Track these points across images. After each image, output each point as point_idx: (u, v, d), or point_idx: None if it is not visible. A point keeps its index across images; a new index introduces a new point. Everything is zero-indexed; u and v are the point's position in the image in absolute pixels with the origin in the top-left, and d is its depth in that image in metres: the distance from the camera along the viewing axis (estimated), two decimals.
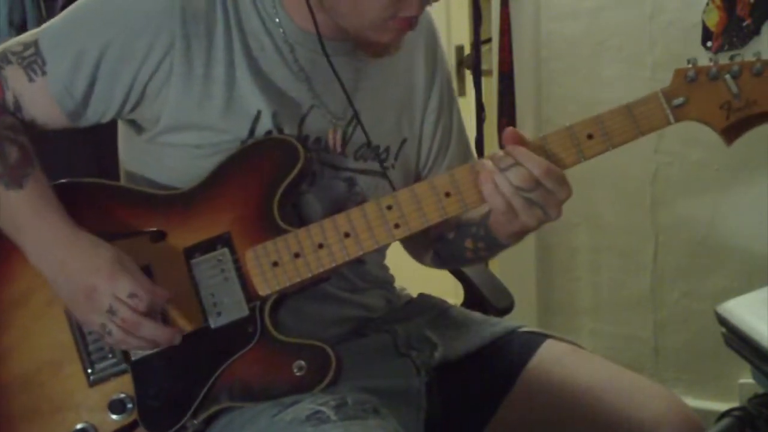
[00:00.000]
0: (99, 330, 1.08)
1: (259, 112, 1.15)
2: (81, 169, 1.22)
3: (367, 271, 1.29)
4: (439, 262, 1.37)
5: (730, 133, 1.05)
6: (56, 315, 1.14)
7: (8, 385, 1.14)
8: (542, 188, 1.05)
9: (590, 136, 1.07)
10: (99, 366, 1.13)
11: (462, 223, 1.25)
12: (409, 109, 1.30)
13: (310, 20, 1.15)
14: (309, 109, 1.19)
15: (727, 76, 1.04)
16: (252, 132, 1.15)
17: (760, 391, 1.91)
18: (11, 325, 1.15)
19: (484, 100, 2.53)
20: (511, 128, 1.08)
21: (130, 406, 1.11)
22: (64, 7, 2.25)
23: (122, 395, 1.11)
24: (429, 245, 1.34)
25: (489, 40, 2.70)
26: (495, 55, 2.61)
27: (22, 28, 2.37)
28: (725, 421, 1.87)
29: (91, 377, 1.13)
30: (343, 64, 1.20)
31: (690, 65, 1.05)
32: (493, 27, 2.63)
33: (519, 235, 1.14)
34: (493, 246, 1.22)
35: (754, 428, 1.84)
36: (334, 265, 1.11)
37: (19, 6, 2.39)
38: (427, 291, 1.42)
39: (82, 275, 1.07)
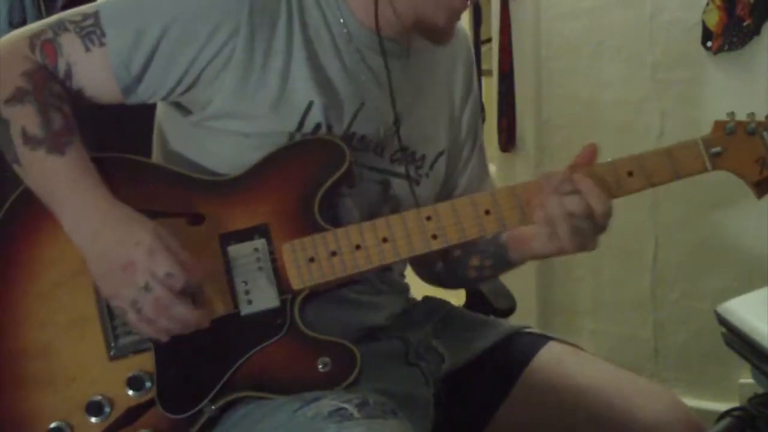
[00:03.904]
0: (127, 306, 1.07)
1: (310, 104, 1.15)
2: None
3: (390, 278, 1.30)
4: (441, 280, 1.37)
5: (762, 187, 1.12)
6: (84, 285, 1.13)
7: (27, 349, 1.13)
8: (593, 221, 1.09)
9: (630, 173, 1.11)
10: (122, 341, 1.13)
11: (470, 241, 1.26)
12: (450, 122, 1.32)
13: (369, 16, 1.17)
14: (360, 107, 1.19)
15: (765, 133, 1.09)
16: (301, 124, 1.15)
17: (760, 391, 1.91)
18: (35, 290, 1.14)
19: (484, 100, 2.52)
20: (593, 146, 1.12)
21: (148, 384, 1.11)
22: (64, 7, 2.25)
23: (142, 372, 1.11)
24: (432, 263, 1.34)
25: (489, 40, 2.70)
26: (495, 55, 2.61)
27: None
28: (725, 422, 1.86)
29: (113, 351, 1.12)
30: (394, 66, 1.20)
31: (729, 118, 1.10)
32: (493, 27, 2.63)
33: (544, 257, 1.16)
34: (501, 265, 1.24)
35: (754, 428, 1.84)
36: (369, 267, 1.12)
37: (18, 6, 2.39)
38: (429, 293, 1.42)
39: (119, 248, 1.06)
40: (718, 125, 1.10)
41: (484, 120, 2.51)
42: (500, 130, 2.62)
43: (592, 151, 1.12)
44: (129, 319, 1.08)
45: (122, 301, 1.07)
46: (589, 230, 1.09)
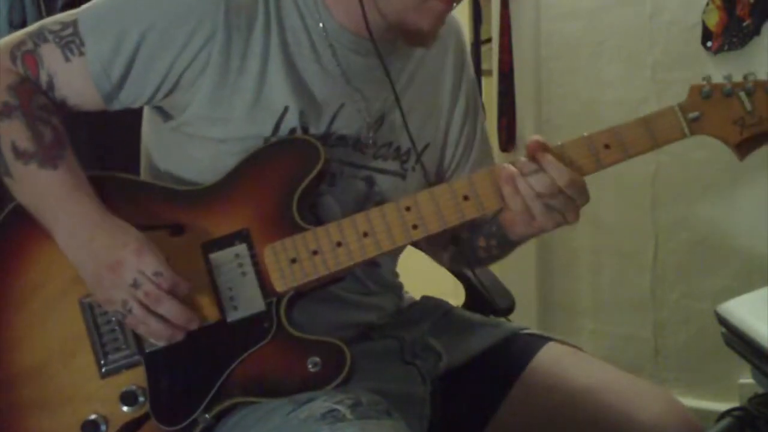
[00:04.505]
0: (119, 308, 1.08)
1: (286, 108, 1.15)
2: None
3: (380, 275, 1.29)
4: (455, 262, 1.38)
5: (743, 148, 1.08)
6: (70, 305, 1.14)
7: (19, 374, 1.14)
8: (564, 196, 1.08)
9: (607, 146, 1.10)
10: (112, 357, 1.13)
11: (476, 222, 1.25)
12: (435, 114, 1.31)
13: (350, 17, 1.16)
14: (339, 108, 1.19)
15: (742, 93, 1.06)
16: (277, 128, 1.15)
17: (760, 391, 1.91)
18: (25, 315, 1.15)
19: (484, 100, 2.52)
20: (536, 139, 1.09)
21: (141, 398, 1.11)
22: (64, 7, 2.25)
23: (134, 387, 1.12)
24: (446, 246, 1.34)
25: (489, 40, 2.70)
26: (495, 55, 2.62)
27: (21, 28, 2.36)
28: (725, 422, 1.86)
29: (104, 368, 1.13)
30: (377, 66, 1.20)
31: (705, 82, 1.08)
32: (493, 27, 2.63)
33: (534, 236, 1.16)
34: (505, 244, 1.24)
35: (754, 428, 1.84)
36: (351, 263, 1.11)
37: (18, 6, 2.39)
38: (428, 292, 1.42)
39: (109, 250, 1.07)
40: (694, 89, 1.08)
41: (484, 120, 2.53)
42: (500, 130, 2.62)
43: (538, 144, 1.09)
44: (126, 322, 1.10)
45: (115, 304, 1.08)
46: (563, 205, 1.08)
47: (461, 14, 3.02)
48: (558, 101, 2.58)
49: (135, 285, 1.06)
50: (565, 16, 2.53)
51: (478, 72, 2.53)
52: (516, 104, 2.58)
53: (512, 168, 1.08)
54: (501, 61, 2.58)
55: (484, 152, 1.37)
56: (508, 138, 2.61)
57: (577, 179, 1.08)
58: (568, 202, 1.09)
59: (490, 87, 2.66)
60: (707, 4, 2.28)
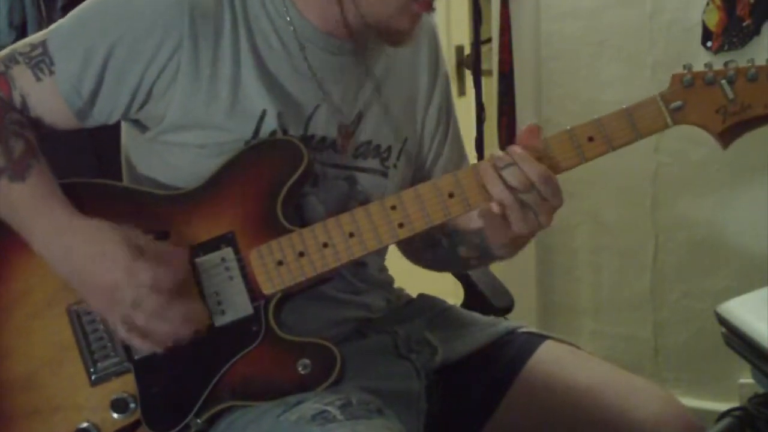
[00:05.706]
0: (119, 322, 1.06)
1: (264, 112, 1.15)
2: (81, 169, 1.21)
3: (367, 274, 1.29)
4: (434, 265, 1.38)
5: (726, 136, 1.08)
6: (57, 314, 1.13)
7: (8, 384, 1.14)
8: (536, 192, 1.06)
9: (591, 139, 1.09)
10: (101, 365, 1.13)
11: (456, 231, 1.26)
12: (412, 109, 1.31)
13: (321, 17, 1.17)
14: (315, 108, 1.19)
15: (723, 81, 1.06)
16: (257, 132, 1.15)
17: (760, 391, 1.91)
18: (11, 325, 1.14)
19: (484, 100, 2.53)
20: (534, 126, 1.09)
21: (132, 405, 1.11)
22: (64, 8, 2.25)
23: (125, 394, 1.11)
24: (425, 248, 1.34)
25: (489, 40, 2.70)
26: (495, 55, 2.62)
27: (22, 29, 2.37)
28: (725, 421, 1.86)
29: (93, 376, 1.13)
30: (350, 64, 1.21)
31: (686, 70, 1.07)
32: (493, 27, 2.63)
33: (512, 245, 1.14)
34: (487, 257, 1.23)
35: (754, 428, 1.84)
36: (338, 264, 1.11)
37: (19, 6, 2.39)
38: (426, 291, 1.42)
39: (96, 273, 1.06)
40: (676, 78, 1.07)
41: (484, 120, 2.53)
42: (500, 130, 2.61)
43: (530, 132, 1.09)
44: (121, 335, 1.08)
45: (114, 316, 1.07)
46: (535, 203, 1.06)
47: (461, 14, 3.03)
48: (558, 101, 2.58)
49: (136, 304, 1.05)
50: (565, 16, 2.53)
51: (478, 72, 2.52)
52: (516, 104, 2.58)
53: (488, 163, 1.08)
54: (501, 61, 2.58)
55: (457, 150, 1.37)
56: (508, 138, 2.61)
57: (549, 175, 1.06)
58: (541, 201, 1.06)
59: (490, 87, 2.66)
60: (707, 4, 2.28)
